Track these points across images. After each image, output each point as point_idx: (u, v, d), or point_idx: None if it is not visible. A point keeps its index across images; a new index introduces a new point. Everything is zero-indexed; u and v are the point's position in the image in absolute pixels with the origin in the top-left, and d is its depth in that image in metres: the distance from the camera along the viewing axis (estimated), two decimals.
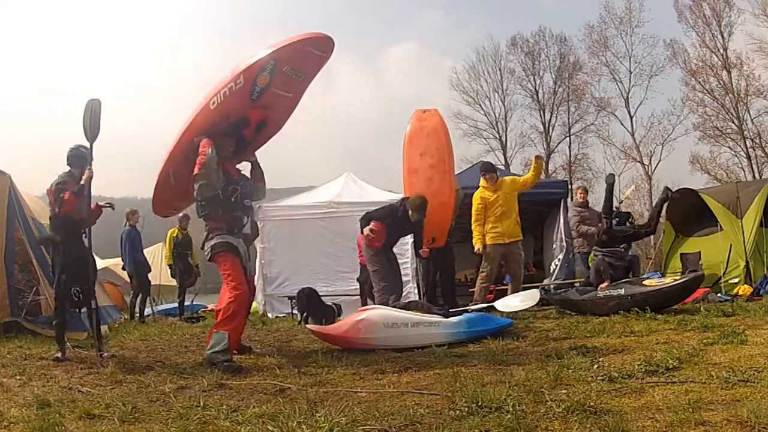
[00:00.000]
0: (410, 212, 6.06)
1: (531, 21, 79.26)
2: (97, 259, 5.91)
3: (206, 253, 4.55)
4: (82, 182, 4.72)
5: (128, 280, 10.46)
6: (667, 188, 7.67)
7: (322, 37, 4.51)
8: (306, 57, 4.53)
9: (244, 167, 4.97)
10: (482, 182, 7.27)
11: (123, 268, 10.21)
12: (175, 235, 10.07)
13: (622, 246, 7.07)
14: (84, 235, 4.90)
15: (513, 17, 65.63)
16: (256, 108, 4.63)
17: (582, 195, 9.83)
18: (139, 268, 9.79)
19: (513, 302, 6.11)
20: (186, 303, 11.01)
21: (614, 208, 7.43)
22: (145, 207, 10.74)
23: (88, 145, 4.84)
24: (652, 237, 13.75)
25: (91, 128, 4.76)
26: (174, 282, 10.73)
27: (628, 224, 7.39)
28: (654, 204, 7.63)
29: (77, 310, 5.12)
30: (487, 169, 7.40)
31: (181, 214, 9.48)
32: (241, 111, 4.59)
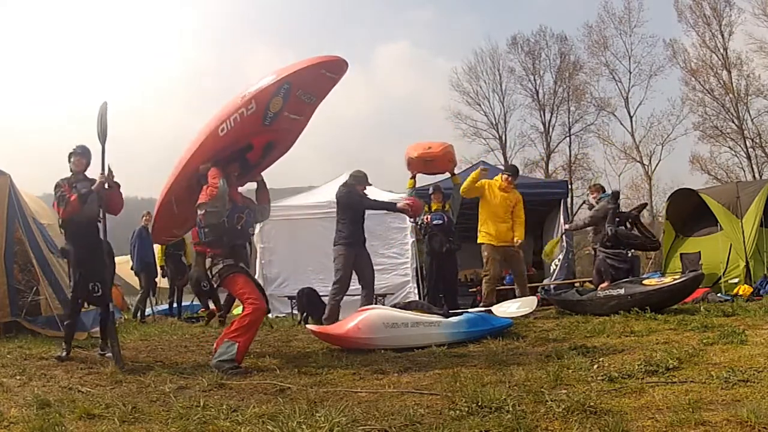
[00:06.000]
0: (355, 186, 6.45)
1: (529, 21, 79.18)
2: None
3: (214, 280, 4.44)
4: (93, 187, 4.71)
5: (131, 279, 10.59)
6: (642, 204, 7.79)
7: (337, 60, 4.46)
8: (320, 80, 4.47)
9: (251, 186, 4.95)
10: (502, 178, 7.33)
11: (131, 268, 10.33)
12: None
13: (626, 249, 7.07)
14: (98, 230, 4.84)
15: (510, 17, 65.35)
16: (267, 132, 4.56)
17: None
18: (146, 268, 9.93)
19: (510, 308, 6.12)
20: (186, 303, 11.06)
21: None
22: (146, 207, 10.88)
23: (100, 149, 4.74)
24: None
25: (102, 131, 4.68)
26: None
27: (628, 225, 7.38)
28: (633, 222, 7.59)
29: (96, 305, 5.01)
30: (513, 172, 7.47)
31: None
32: (251, 136, 4.52)
